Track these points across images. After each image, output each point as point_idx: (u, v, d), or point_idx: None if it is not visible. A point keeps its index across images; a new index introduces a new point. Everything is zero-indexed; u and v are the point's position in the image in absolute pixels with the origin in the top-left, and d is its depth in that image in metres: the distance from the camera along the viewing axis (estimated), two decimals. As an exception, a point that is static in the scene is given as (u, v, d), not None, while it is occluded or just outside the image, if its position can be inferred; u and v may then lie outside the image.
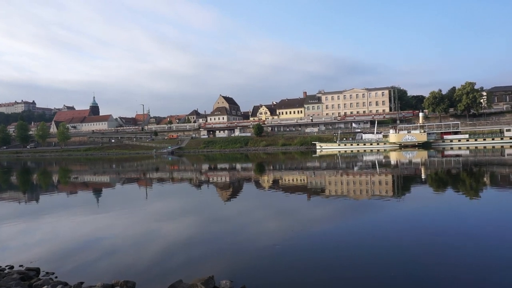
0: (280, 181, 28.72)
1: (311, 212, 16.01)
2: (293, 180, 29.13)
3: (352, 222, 13.54)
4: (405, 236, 11.12)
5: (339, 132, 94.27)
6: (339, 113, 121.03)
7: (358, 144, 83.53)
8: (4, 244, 11.75)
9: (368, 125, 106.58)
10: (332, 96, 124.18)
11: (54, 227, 14.55)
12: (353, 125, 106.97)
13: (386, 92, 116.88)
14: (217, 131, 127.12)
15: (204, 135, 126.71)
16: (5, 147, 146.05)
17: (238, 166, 49.39)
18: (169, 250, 10.43)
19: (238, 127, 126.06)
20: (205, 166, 51.33)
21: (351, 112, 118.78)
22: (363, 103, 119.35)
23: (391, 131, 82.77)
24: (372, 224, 12.96)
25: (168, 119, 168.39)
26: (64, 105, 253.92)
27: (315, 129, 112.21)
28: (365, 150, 75.76)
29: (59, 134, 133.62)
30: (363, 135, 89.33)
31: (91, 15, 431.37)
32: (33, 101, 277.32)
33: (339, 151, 75.93)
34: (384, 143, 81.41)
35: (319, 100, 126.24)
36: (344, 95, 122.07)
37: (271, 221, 14.14)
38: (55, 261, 9.63)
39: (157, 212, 17.11)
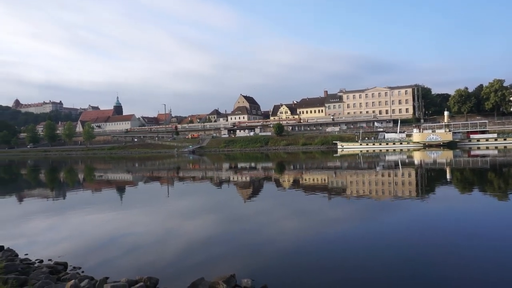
0: (300, 180, 28.58)
1: (332, 212, 15.87)
2: (313, 180, 28.92)
3: (374, 223, 13.34)
4: (428, 238, 10.86)
5: (360, 131, 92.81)
6: (360, 112, 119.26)
7: (380, 144, 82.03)
8: (34, 239, 12.21)
9: (390, 124, 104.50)
10: (353, 95, 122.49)
11: (80, 223, 15.02)
12: (375, 124, 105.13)
13: (410, 90, 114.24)
14: (238, 131, 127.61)
15: (224, 134, 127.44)
16: (34, 146, 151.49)
17: (259, 165, 49.46)
18: (190, 248, 10.57)
19: (259, 126, 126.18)
20: (225, 165, 51.66)
21: (373, 111, 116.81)
22: (386, 102, 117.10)
23: (415, 130, 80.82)
24: (394, 225, 12.73)
25: (189, 118, 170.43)
26: (89, 105, 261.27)
27: (336, 128, 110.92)
28: (387, 150, 74.34)
29: (84, 133, 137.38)
30: (385, 134, 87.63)
31: (115, 17, 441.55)
32: (60, 101, 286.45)
33: (361, 151, 74.79)
34: (408, 143, 79.59)
35: (340, 99, 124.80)
36: (366, 94, 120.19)
37: (292, 221, 14.11)
38: (81, 256, 9.93)
39: (178, 210, 17.37)
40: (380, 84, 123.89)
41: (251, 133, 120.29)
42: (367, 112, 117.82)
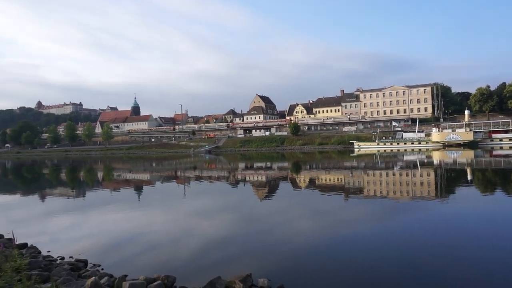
0: (316, 180, 28.41)
1: (348, 212, 15.72)
2: (329, 180, 28.71)
3: (391, 223, 13.15)
4: (448, 240, 10.63)
5: (378, 131, 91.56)
6: (378, 111, 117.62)
7: (398, 143, 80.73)
8: (56, 237, 12.53)
9: (409, 124, 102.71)
10: (370, 94, 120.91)
11: (100, 221, 15.35)
12: (393, 123, 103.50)
13: (429, 89, 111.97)
14: (254, 130, 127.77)
15: (240, 134, 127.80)
16: (55, 146, 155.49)
17: (274, 165, 49.41)
18: (207, 247, 10.66)
19: (274, 126, 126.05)
20: (241, 165, 51.82)
21: (391, 111, 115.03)
22: (404, 101, 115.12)
23: (434, 129, 79.25)
24: (412, 226, 12.51)
25: (206, 118, 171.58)
26: (108, 106, 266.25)
27: (353, 128, 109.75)
28: (405, 150, 73.10)
29: (103, 134, 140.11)
30: (403, 133, 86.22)
31: (132, 19, 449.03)
32: (80, 102, 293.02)
33: (378, 151, 73.78)
34: (426, 142, 78.07)
35: (357, 98, 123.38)
36: (383, 93, 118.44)
37: (308, 221, 14.05)
38: (101, 253, 10.14)
39: (195, 210, 17.52)
40: (397, 83, 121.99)
41: (267, 133, 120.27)
42: (384, 111, 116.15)
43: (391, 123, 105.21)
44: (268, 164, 52.20)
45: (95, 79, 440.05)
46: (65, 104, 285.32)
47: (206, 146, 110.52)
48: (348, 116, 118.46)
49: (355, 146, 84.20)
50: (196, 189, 26.84)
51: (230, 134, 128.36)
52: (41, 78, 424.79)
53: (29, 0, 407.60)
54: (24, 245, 10.40)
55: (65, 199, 23.40)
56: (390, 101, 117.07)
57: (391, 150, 73.88)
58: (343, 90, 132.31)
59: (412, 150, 71.94)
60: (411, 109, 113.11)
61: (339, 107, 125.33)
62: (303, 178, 31.05)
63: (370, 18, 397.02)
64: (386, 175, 30.39)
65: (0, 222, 14.51)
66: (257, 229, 12.84)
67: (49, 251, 10.19)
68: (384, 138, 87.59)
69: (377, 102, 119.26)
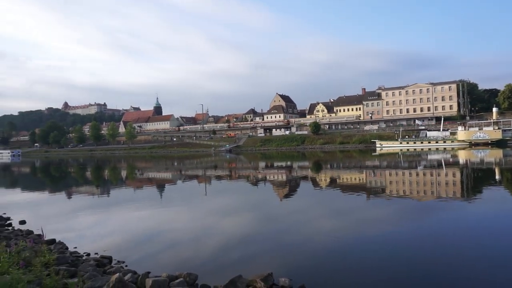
0: (337, 180, 28.12)
1: (370, 212, 15.47)
2: (351, 179, 28.35)
3: (414, 224, 12.86)
4: (472, 242, 10.31)
5: (400, 130, 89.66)
6: (400, 109, 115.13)
7: (422, 142, 78.83)
8: (82, 233, 12.91)
9: (433, 122, 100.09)
10: (393, 92, 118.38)
11: (123, 219, 15.70)
12: (416, 121, 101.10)
13: (454, 86, 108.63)
14: (274, 129, 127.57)
15: (260, 133, 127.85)
16: (81, 145, 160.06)
17: (295, 164, 49.20)
18: (227, 245, 10.73)
19: (295, 125, 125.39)
20: (261, 164, 51.86)
21: (414, 109, 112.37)
22: (428, 98, 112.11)
23: (460, 128, 76.97)
24: (436, 227, 12.18)
25: (226, 118, 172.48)
26: (131, 106, 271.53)
27: (375, 127, 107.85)
28: (430, 149, 71.29)
29: (126, 133, 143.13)
30: (427, 132, 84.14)
31: (153, 21, 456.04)
32: (104, 103, 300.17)
33: (401, 150, 72.28)
34: (452, 141, 75.91)
35: (378, 96, 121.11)
36: (406, 91, 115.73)
37: (329, 220, 13.92)
38: (124, 250, 10.37)
39: (215, 208, 17.67)
40: (420, 80, 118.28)
41: (287, 132, 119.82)
42: (407, 109, 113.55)
43: (414, 122, 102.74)
44: (289, 163, 52.03)
45: (118, 80, 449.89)
46: (90, 105, 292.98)
47: (227, 146, 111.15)
48: (370, 115, 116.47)
49: (377, 145, 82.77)
50: (216, 187, 27.05)
51: (250, 134, 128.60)
52: (67, 79, 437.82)
53: (56, 4, 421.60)
54: (52, 241, 10.75)
55: (90, 196, 24.06)
56: (413, 99, 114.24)
57: (415, 149, 72.23)
58: (365, 88, 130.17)
59: (437, 149, 70.09)
60: (435, 107, 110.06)
61: (361, 106, 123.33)
62: (324, 177, 30.78)
63: (391, 14, 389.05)
64: (409, 174, 29.74)
65: (30, 219, 15.06)
66: (278, 228, 12.83)
67: (75, 247, 10.50)
68: (407, 137, 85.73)
69: (400, 100, 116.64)
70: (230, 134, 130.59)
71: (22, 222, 14.42)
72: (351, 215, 14.82)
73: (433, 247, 9.83)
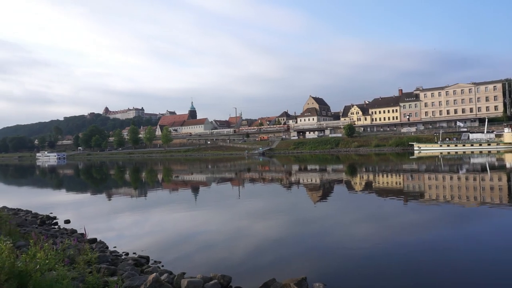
0: (373, 183, 27.40)
1: (408, 217, 14.93)
2: (387, 183, 27.53)
3: (455, 231, 12.26)
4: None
5: (440, 132, 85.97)
6: (440, 111, 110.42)
7: (464, 145, 75.17)
8: (121, 233, 13.42)
9: (476, 124, 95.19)
10: (432, 93, 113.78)
11: (160, 220, 16.15)
12: (458, 123, 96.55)
13: (499, 85, 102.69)
14: (307, 132, 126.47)
15: (294, 136, 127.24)
16: (120, 149, 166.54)
17: (329, 167, 48.47)
18: (261, 248, 10.74)
19: (329, 128, 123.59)
20: (295, 167, 51.54)
21: (455, 110, 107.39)
22: (470, 99, 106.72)
23: (506, 129, 72.68)
24: (478, 235, 11.56)
25: (259, 121, 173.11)
26: (167, 110, 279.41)
27: (413, 129, 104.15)
28: (472, 152, 67.79)
29: (162, 137, 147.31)
30: (470, 134, 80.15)
31: (188, 27, 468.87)
32: (142, 107, 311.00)
33: (441, 153, 69.28)
34: (497, 144, 71.76)
35: (416, 97, 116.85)
36: (446, 91, 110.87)
37: (364, 225, 13.58)
38: (161, 251, 10.65)
39: (249, 211, 17.74)
40: (461, 80, 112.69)
41: (321, 135, 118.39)
42: (447, 111, 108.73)
43: (455, 123, 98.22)
44: (322, 166, 51.35)
45: (155, 85, 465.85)
46: (128, 110, 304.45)
47: (260, 148, 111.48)
48: (407, 117, 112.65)
49: (415, 148, 79.86)
50: (250, 190, 27.18)
51: (284, 136, 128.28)
52: (108, 85, 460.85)
53: (99, 16, 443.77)
54: (94, 240, 11.25)
55: (129, 198, 24.95)
56: (454, 100, 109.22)
57: (456, 152, 68.99)
58: (401, 90, 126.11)
59: (480, 152, 66.51)
60: (478, 108, 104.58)
61: (397, 107, 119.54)
62: (358, 181, 30.10)
63: (429, 13, 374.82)
64: (450, 178, 28.42)
65: (74, 218, 15.85)
66: (312, 232, 12.68)
67: (115, 247, 10.92)
68: (447, 139, 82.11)
69: (439, 101, 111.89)
70: (263, 137, 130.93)
71: (67, 222, 15.21)
72: (387, 220, 14.38)
73: (472, 257, 9.31)
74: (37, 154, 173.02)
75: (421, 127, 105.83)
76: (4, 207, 17.97)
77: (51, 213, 17.29)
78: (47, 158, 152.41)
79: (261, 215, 16.44)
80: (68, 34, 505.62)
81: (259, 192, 25.65)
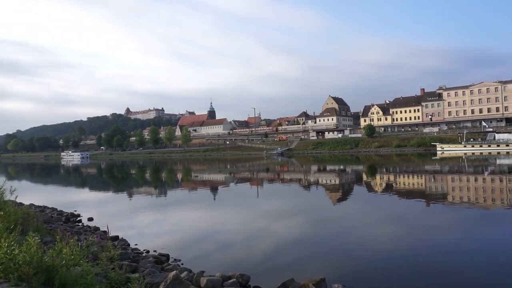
0: (394, 184, 26.92)
1: (430, 220, 14.60)
2: (408, 184, 27.00)
3: (479, 235, 11.91)
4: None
5: (464, 132, 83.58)
6: (464, 110, 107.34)
7: (489, 146, 72.83)
8: (142, 231, 13.69)
9: (502, 124, 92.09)
10: (455, 92, 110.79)
11: (179, 219, 16.38)
12: (483, 123, 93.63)
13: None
14: (326, 132, 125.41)
15: (313, 136, 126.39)
16: (141, 148, 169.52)
17: (348, 168, 47.93)
18: (279, 248, 10.75)
19: (348, 128, 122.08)
20: (314, 168, 51.20)
21: (480, 109, 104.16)
22: (496, 98, 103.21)
23: (535, 130, 69.93)
24: (502, 240, 11.18)
25: (278, 121, 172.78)
26: (186, 110, 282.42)
27: (435, 129, 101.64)
28: (499, 152, 65.59)
29: (182, 137, 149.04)
30: (496, 134, 77.56)
31: (208, 28, 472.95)
32: (162, 108, 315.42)
33: (465, 153, 67.36)
34: (525, 144, 69.17)
35: (439, 97, 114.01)
36: (470, 90, 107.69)
37: (384, 227, 13.37)
38: (181, 249, 10.81)
39: (267, 210, 17.76)
40: (487, 79, 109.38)
41: (340, 135, 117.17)
42: (472, 110, 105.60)
43: (480, 123, 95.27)
44: (342, 166, 50.82)
45: (175, 86, 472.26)
46: (149, 110, 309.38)
47: (279, 149, 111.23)
48: (430, 116, 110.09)
49: (437, 149, 77.97)
50: (268, 190, 27.19)
51: (303, 137, 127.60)
52: (129, 86, 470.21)
53: (120, 18, 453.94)
54: (116, 238, 11.52)
55: (149, 197, 25.40)
56: (479, 99, 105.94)
57: (481, 153, 66.92)
58: (424, 89, 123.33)
59: (507, 153, 64.28)
60: (505, 107, 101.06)
61: (419, 107, 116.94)
62: (379, 181, 29.63)
63: (451, 10, 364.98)
64: (474, 180, 27.62)
65: (97, 216, 16.27)
66: (331, 233, 12.59)
67: (136, 244, 11.15)
68: (472, 139, 79.74)
69: (463, 101, 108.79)
70: (282, 137, 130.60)
71: (90, 219, 15.62)
72: (408, 222, 14.12)
73: (497, 261, 9.04)
74: (62, 154, 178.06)
75: (444, 127, 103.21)
76: (32, 205, 18.63)
77: (75, 210, 17.80)
78: (71, 158, 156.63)
79: (280, 215, 16.44)
80: (92, 36, 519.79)
81: (277, 192, 25.63)
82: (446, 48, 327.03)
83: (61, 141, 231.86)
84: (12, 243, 5.12)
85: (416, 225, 13.41)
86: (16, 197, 11.16)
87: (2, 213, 7.08)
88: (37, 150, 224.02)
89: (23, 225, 8.18)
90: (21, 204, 14.76)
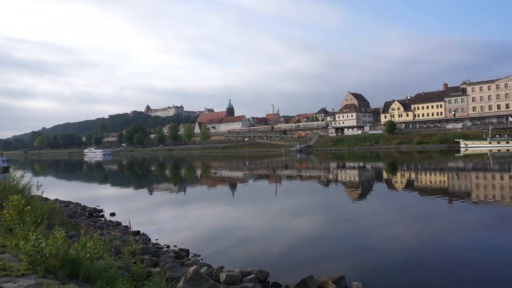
0: (415, 182, 26.39)
1: (453, 218, 14.26)
2: (430, 181, 26.41)
3: (503, 235, 11.52)
4: None
5: (490, 128, 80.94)
6: (489, 106, 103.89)
7: (516, 142, 70.32)
8: (162, 226, 13.92)
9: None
10: (480, 87, 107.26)
11: (198, 214, 16.57)
12: (510, 119, 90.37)
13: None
14: (346, 129, 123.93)
15: (332, 133, 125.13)
16: (161, 145, 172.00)
17: (368, 165, 47.26)
18: (298, 245, 10.72)
19: (368, 125, 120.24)
20: (333, 165, 50.74)
21: (507, 105, 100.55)
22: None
23: None
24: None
25: (296, 118, 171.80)
26: (205, 108, 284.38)
27: (459, 125, 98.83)
28: (527, 149, 63.29)
29: (201, 134, 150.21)
30: (523, 131, 74.76)
31: (226, 26, 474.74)
32: (181, 105, 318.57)
33: (491, 150, 65.27)
34: (555, 141, 66.44)
35: (463, 92, 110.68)
36: (496, 85, 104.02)
37: (405, 225, 13.15)
38: (200, 244, 10.93)
39: (286, 207, 17.74)
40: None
41: (360, 132, 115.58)
42: (498, 105, 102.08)
43: (507, 119, 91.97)
44: (361, 163, 50.16)
45: (194, 83, 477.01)
46: (168, 107, 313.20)
47: (297, 145, 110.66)
48: (453, 112, 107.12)
49: (461, 145, 75.86)
50: (287, 187, 27.13)
51: (321, 133, 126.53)
52: (149, 85, 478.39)
53: (141, 17, 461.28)
54: (137, 233, 11.76)
55: (169, 193, 25.77)
56: (506, 94, 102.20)
57: (507, 150, 64.71)
58: (447, 84, 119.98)
59: (536, 150, 61.96)
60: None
61: (442, 103, 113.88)
62: (399, 179, 29.10)
63: (474, 3, 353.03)
64: (500, 178, 26.76)
65: (119, 211, 16.64)
66: (350, 230, 12.47)
67: (157, 239, 11.35)
68: (498, 136, 77.18)
69: (489, 96, 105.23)
70: (300, 134, 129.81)
71: (112, 214, 16.00)
72: (430, 220, 13.82)
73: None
74: (85, 150, 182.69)
75: (468, 123, 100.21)
76: (57, 200, 19.22)
77: (98, 206, 18.26)
78: (93, 154, 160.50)
79: (299, 212, 16.39)
80: (113, 36, 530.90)
81: (296, 189, 25.55)
82: (472, 41, 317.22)
83: (84, 138, 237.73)
84: (39, 236, 5.31)
85: (438, 224, 13.12)
86: (42, 192, 11.52)
87: (29, 207, 7.33)
88: (61, 147, 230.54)
89: (49, 219, 8.46)
90: (47, 199, 15.23)
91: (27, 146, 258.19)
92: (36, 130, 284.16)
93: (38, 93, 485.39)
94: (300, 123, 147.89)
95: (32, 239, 5.15)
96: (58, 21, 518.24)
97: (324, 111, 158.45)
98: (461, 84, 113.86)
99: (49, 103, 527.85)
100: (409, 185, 24.81)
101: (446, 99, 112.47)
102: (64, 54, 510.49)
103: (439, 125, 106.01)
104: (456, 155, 57.81)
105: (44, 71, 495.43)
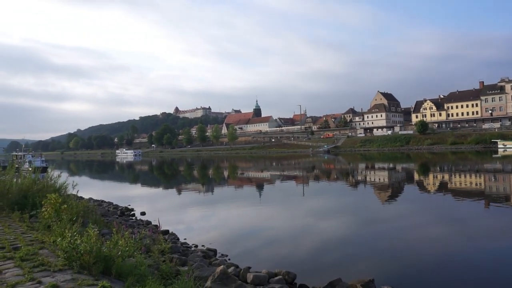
0: (448, 184, 25.43)
1: (488, 222, 13.63)
2: (465, 183, 25.38)
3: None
4: None
5: (531, 128, 76.79)
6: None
7: (560, 143, 66.31)
8: (190, 226, 14.15)
9: None
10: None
11: (226, 215, 16.73)
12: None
13: None
14: (375, 129, 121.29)
15: (360, 133, 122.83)
16: (189, 146, 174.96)
17: (398, 166, 46.01)
18: (326, 247, 10.61)
19: (399, 125, 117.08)
20: (361, 166, 49.77)
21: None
22: None
23: None
24: None
25: (324, 118, 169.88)
26: (232, 109, 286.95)
27: (496, 125, 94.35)
28: None
29: (228, 135, 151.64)
30: None
31: (252, 28, 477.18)
32: (209, 106, 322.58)
33: (531, 151, 61.90)
34: None
35: (501, 89, 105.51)
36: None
37: (437, 228, 12.70)
38: (227, 244, 11.03)
39: (313, 209, 17.58)
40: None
41: (389, 132, 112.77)
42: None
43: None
44: (391, 164, 48.91)
45: (222, 84, 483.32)
46: (196, 109, 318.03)
47: (325, 146, 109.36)
48: (490, 111, 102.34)
49: (499, 146, 72.35)
50: (314, 188, 26.88)
51: (350, 134, 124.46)
52: (178, 86, 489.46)
53: (170, 21, 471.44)
54: (166, 232, 12.02)
55: (197, 193, 26.16)
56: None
57: (550, 151, 61.16)
58: (483, 82, 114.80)
59: None
60: None
61: (477, 101, 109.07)
62: (432, 180, 28.14)
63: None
64: (542, 180, 25.31)
65: (149, 210, 17.07)
66: (380, 233, 12.18)
67: (185, 239, 11.55)
68: (539, 136, 73.09)
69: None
70: (328, 135, 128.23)
71: (143, 213, 16.43)
72: (464, 224, 13.28)
73: None
74: (117, 151, 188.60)
75: (507, 123, 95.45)
76: (90, 198, 19.97)
77: (129, 205, 18.81)
78: (125, 155, 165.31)
79: (326, 214, 16.21)
80: (143, 40, 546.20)
81: (324, 191, 25.27)
82: (507, 36, 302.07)
83: (116, 139, 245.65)
84: (75, 233, 5.54)
85: (473, 228, 12.59)
86: (77, 192, 11.99)
87: (66, 206, 7.66)
88: (95, 148, 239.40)
89: (84, 218, 8.78)
90: (81, 198, 15.84)
91: (63, 147, 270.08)
92: (72, 132, 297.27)
93: (74, 96, 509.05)
94: (328, 123, 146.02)
95: (68, 236, 5.37)
96: (92, 27, 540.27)
97: (352, 111, 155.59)
98: (499, 82, 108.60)
99: (84, 105, 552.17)
100: (443, 187, 23.95)
101: (483, 98, 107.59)
102: (98, 58, 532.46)
103: (474, 125, 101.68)
104: (493, 156, 55.23)
105: (80, 75, 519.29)
